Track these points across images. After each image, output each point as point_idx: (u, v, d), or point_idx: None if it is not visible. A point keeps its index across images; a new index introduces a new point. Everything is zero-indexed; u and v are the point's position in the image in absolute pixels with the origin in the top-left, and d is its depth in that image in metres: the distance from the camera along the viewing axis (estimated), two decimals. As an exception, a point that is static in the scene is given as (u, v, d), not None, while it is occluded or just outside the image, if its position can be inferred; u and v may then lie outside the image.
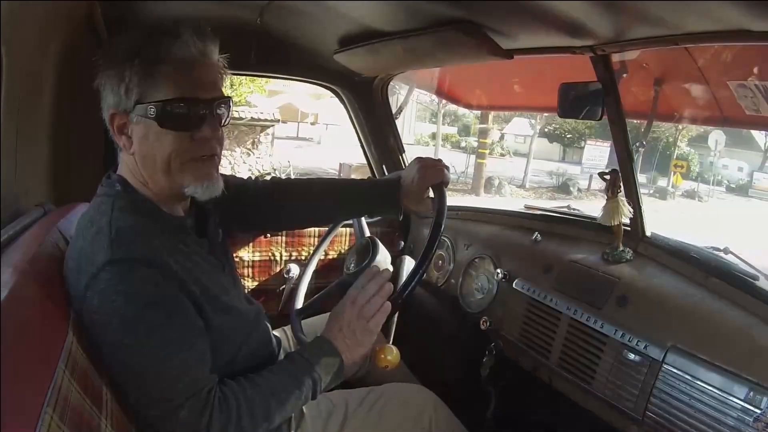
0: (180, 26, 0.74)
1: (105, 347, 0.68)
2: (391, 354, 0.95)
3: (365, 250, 1.16)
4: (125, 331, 0.68)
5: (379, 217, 1.08)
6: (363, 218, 1.22)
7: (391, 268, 1.16)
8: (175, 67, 0.74)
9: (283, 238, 1.65)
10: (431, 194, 1.01)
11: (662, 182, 16.07)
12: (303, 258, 1.67)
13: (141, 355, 0.68)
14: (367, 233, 1.23)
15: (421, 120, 24.73)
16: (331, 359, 0.84)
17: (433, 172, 1.00)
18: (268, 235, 1.62)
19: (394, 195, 1.03)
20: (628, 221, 1.19)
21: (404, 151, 1.81)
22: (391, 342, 1.00)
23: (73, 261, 0.72)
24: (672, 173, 14.85)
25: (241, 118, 8.99)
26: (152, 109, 0.74)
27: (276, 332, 1.22)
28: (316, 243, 1.65)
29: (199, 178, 0.78)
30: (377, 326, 0.87)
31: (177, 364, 0.70)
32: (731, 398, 0.84)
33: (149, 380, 0.69)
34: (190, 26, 0.75)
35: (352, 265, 1.17)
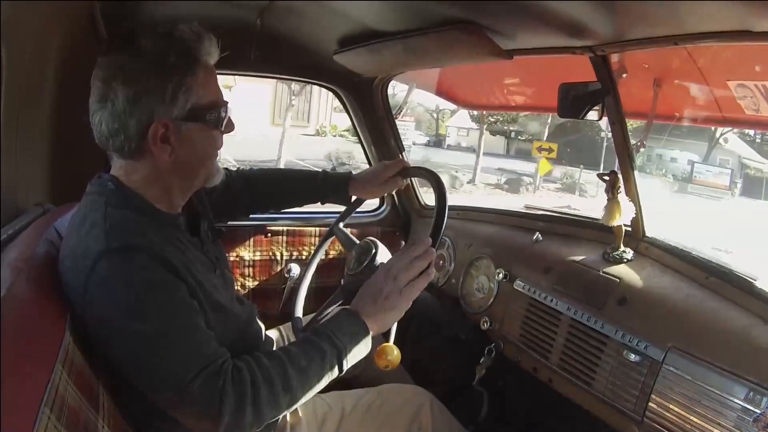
0: (200, 30, 0.77)
1: (112, 338, 0.68)
2: (392, 354, 0.94)
3: (366, 251, 1.16)
4: (131, 317, 0.68)
5: (330, 203, 1.24)
6: (343, 227, 1.26)
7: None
8: (211, 71, 0.79)
9: (284, 237, 1.65)
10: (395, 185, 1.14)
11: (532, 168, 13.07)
12: (304, 258, 1.67)
13: (149, 338, 0.68)
14: (356, 240, 1.24)
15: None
16: (354, 327, 0.80)
17: (392, 163, 1.12)
18: (269, 234, 1.62)
19: (343, 186, 1.15)
20: (628, 221, 1.19)
21: (404, 151, 1.81)
22: (392, 342, 0.99)
23: (68, 260, 0.72)
24: (538, 159, 12.36)
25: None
26: (213, 114, 0.78)
27: (273, 332, 1.22)
28: (316, 243, 1.65)
29: (218, 168, 0.86)
30: (415, 291, 0.83)
31: (185, 341, 0.70)
32: (731, 398, 0.83)
33: (159, 361, 0.69)
34: (199, 28, 0.78)
35: (353, 264, 1.16)
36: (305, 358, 0.76)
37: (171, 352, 0.69)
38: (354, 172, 1.18)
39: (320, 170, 1.22)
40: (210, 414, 0.69)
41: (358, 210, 1.43)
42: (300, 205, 1.29)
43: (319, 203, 1.23)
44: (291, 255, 1.66)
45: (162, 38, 0.75)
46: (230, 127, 0.83)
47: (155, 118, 0.73)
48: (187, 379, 0.68)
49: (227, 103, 0.81)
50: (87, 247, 0.70)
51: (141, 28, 0.75)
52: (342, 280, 1.20)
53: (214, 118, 0.78)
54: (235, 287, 1.17)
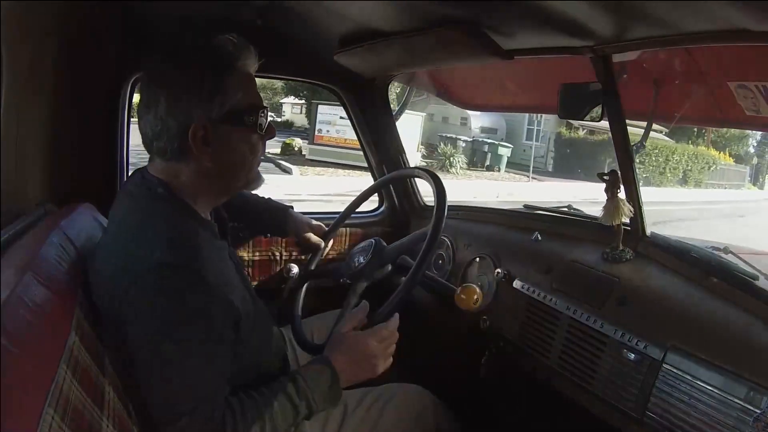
0: (238, 39, 0.79)
1: (139, 347, 0.70)
2: (474, 294, 1.04)
3: (365, 249, 1.16)
4: (162, 333, 0.69)
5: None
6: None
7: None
8: (249, 77, 0.81)
9: (284, 238, 1.65)
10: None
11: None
12: (303, 258, 1.67)
13: (166, 359, 0.70)
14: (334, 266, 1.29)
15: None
16: (333, 394, 0.85)
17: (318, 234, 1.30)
18: (268, 234, 1.63)
19: (280, 216, 1.29)
20: (628, 221, 1.19)
21: (404, 152, 1.81)
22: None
23: (117, 259, 0.73)
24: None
25: None
26: (251, 117, 0.80)
27: None
28: None
29: (259, 174, 0.87)
30: (388, 362, 0.92)
31: (194, 375, 0.71)
32: (731, 398, 0.83)
33: (165, 385, 0.70)
34: (238, 38, 0.80)
35: (359, 260, 1.17)
36: (283, 414, 0.79)
37: (180, 380, 0.70)
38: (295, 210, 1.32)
39: (264, 198, 1.30)
40: None
41: (357, 210, 1.43)
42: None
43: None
44: (290, 255, 1.66)
45: (200, 45, 0.78)
46: (271, 131, 0.84)
47: (194, 119, 0.75)
48: (178, 412, 0.70)
49: (266, 107, 0.83)
50: (145, 254, 0.71)
51: (178, 36, 0.79)
52: (344, 280, 1.20)
53: (252, 121, 0.80)
54: None
